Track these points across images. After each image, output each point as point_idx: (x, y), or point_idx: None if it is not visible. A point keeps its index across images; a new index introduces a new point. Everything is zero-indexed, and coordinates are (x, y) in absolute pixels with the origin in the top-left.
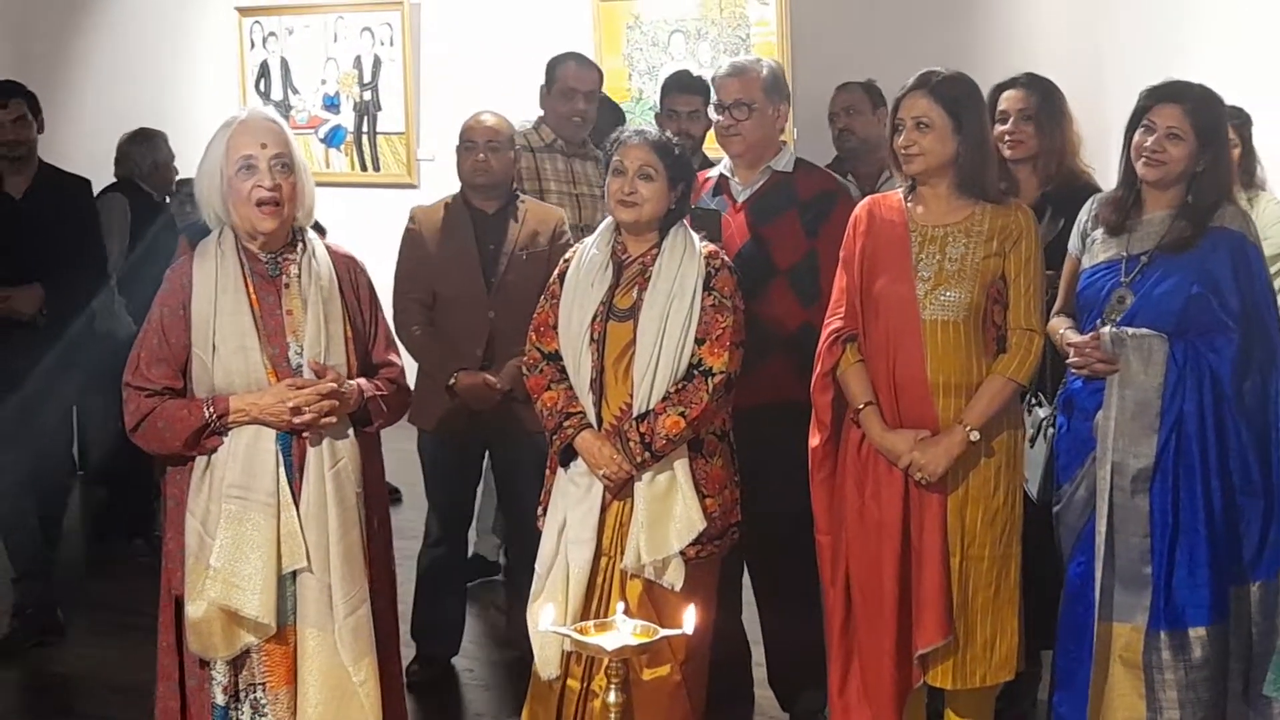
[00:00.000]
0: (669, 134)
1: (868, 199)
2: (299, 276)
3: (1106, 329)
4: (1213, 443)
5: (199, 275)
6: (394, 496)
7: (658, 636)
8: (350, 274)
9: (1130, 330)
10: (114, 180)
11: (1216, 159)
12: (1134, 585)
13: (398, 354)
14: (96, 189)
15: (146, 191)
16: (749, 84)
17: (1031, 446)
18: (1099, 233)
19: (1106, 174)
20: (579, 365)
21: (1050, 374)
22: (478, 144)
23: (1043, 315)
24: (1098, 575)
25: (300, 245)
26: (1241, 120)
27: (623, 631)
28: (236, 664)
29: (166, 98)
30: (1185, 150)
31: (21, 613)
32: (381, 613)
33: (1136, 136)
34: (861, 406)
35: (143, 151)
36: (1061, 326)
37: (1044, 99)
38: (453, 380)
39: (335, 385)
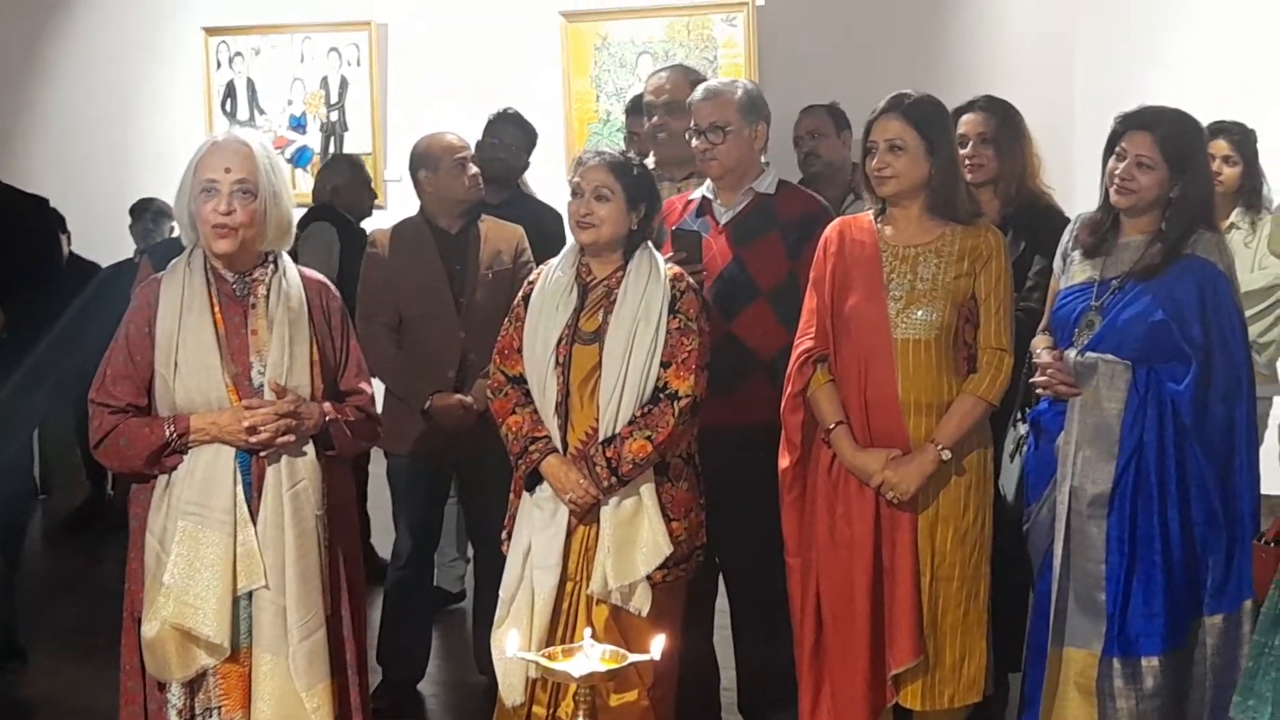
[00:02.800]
0: (631, 154)
1: (837, 220)
2: (267, 297)
3: (1072, 352)
4: (1173, 473)
5: (165, 294)
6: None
7: (626, 662)
8: (321, 300)
9: (1095, 355)
10: (311, 208)
11: (1190, 185)
12: (1090, 611)
13: (368, 382)
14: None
15: (346, 217)
16: (723, 106)
17: (1012, 461)
18: (1076, 254)
19: (1071, 194)
20: (544, 389)
21: (1034, 392)
22: (467, 160)
23: (1013, 335)
24: (1053, 598)
25: (271, 267)
26: (1242, 136)
27: (590, 657)
28: (193, 686)
29: (133, 117)
30: (1155, 178)
31: None
32: (340, 641)
33: (1110, 163)
34: (832, 426)
35: (325, 175)
36: (1041, 345)
37: (1002, 121)
38: (428, 404)
39: (292, 406)
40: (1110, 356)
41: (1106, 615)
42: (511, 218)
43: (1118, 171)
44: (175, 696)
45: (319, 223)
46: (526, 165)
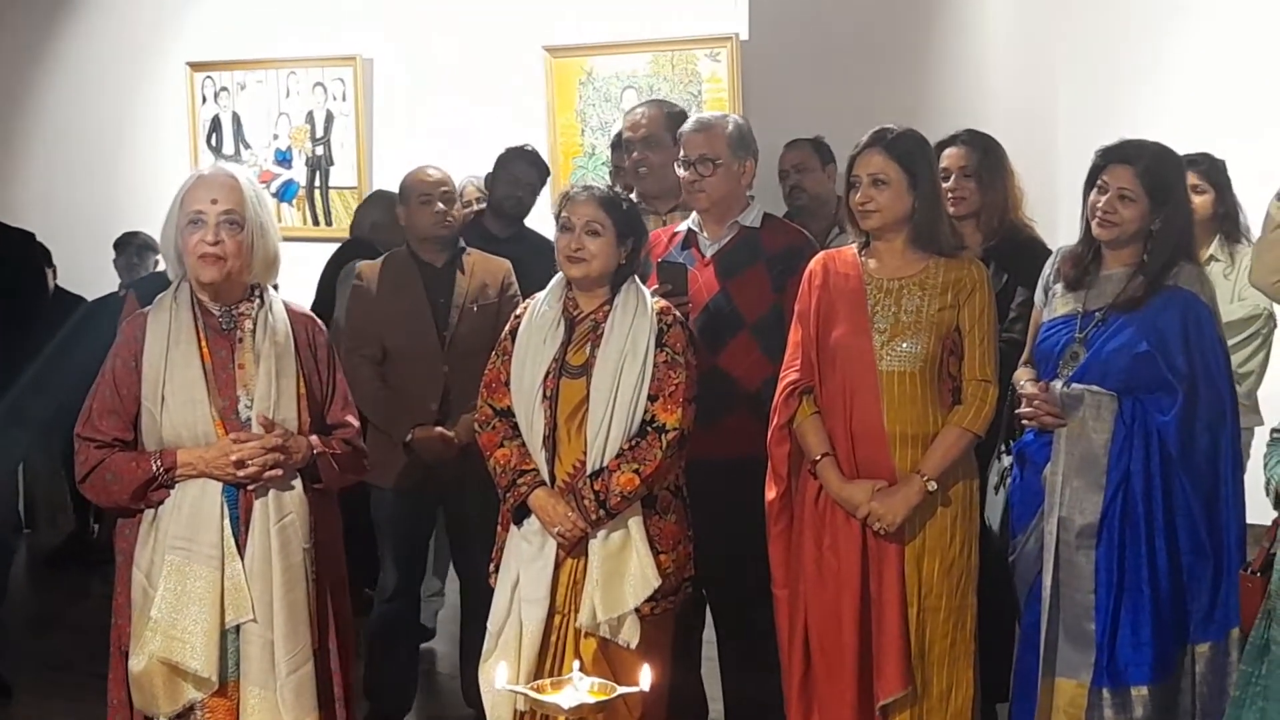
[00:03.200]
0: (618, 189)
1: (822, 254)
2: (253, 331)
3: (1058, 383)
4: (1159, 502)
5: (152, 328)
6: None
7: (615, 695)
8: (308, 333)
9: (1081, 387)
10: (347, 243)
11: (1171, 218)
12: (1079, 641)
13: (354, 415)
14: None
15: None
16: (714, 139)
17: (996, 494)
18: (1059, 287)
19: (1055, 226)
20: (531, 422)
21: (1019, 423)
22: (434, 196)
23: (997, 366)
24: (1043, 629)
25: (258, 300)
26: (1209, 165)
27: (579, 689)
28: None
29: (118, 151)
30: (1137, 211)
31: None
32: (328, 675)
33: (1091, 196)
34: (819, 458)
35: (364, 212)
36: (1024, 378)
37: (984, 155)
38: (409, 437)
39: (280, 440)
40: (1096, 388)
41: (1095, 645)
42: (516, 254)
43: (1099, 204)
44: None
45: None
46: (533, 203)
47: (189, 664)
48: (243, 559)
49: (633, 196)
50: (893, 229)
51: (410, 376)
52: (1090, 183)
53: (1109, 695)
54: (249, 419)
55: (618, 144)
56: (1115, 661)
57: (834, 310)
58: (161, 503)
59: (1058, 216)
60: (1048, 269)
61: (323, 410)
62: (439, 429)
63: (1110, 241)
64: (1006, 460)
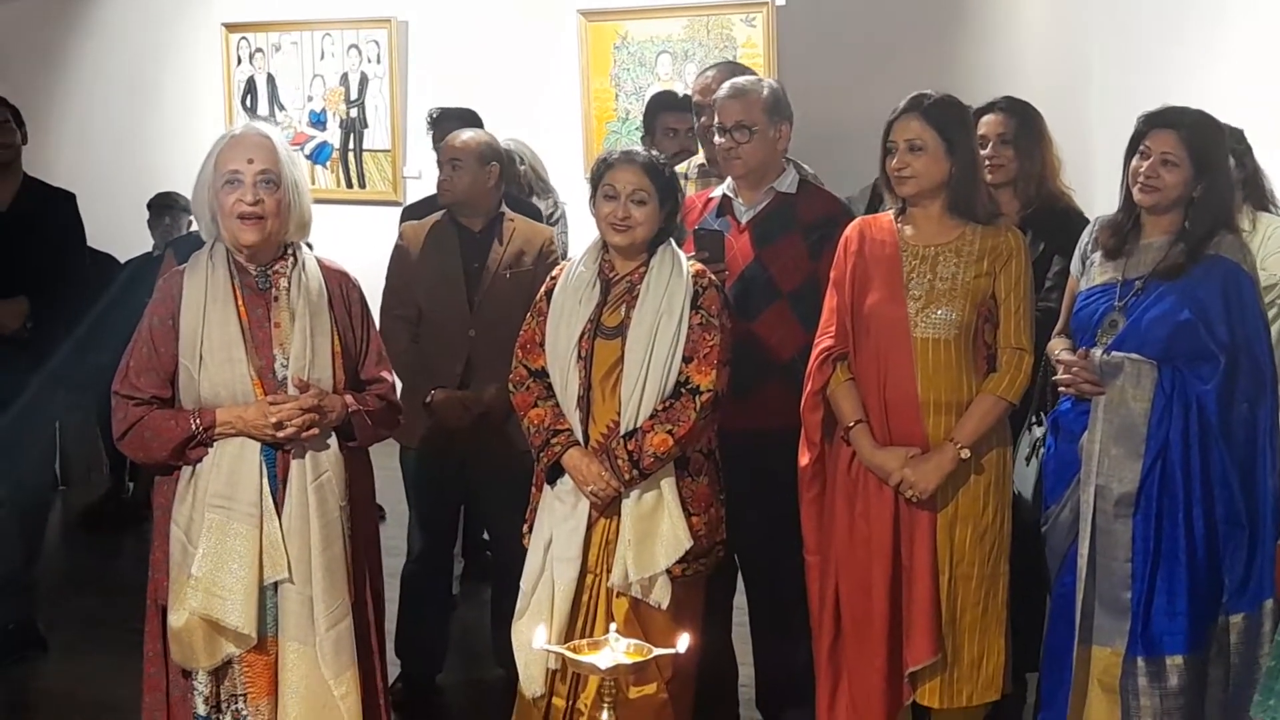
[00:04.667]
0: (655, 153)
1: (858, 220)
2: (288, 290)
3: (1097, 351)
4: (1197, 472)
5: (189, 286)
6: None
7: (651, 655)
8: (342, 289)
9: (1120, 354)
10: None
11: (1213, 185)
12: (1114, 609)
13: (389, 370)
14: (91, 204)
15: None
16: (750, 106)
17: (1027, 465)
18: (1097, 255)
19: (1090, 195)
20: (566, 382)
21: (1051, 394)
22: (443, 163)
23: (1033, 334)
24: (1079, 598)
25: (292, 259)
26: (1229, 133)
27: (616, 650)
28: (219, 674)
29: (153, 114)
30: (1180, 176)
31: (2, 629)
32: (365, 629)
33: (1133, 162)
34: (852, 424)
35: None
36: (1059, 347)
37: (1022, 122)
38: (429, 398)
39: (315, 400)
40: (1136, 355)
41: (1131, 614)
42: None
43: (1142, 169)
44: (201, 684)
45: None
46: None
47: (229, 620)
48: (280, 517)
49: (700, 159)
50: (929, 195)
51: (437, 339)
52: (1132, 149)
53: (1143, 664)
54: (285, 377)
55: (666, 105)
56: (1150, 630)
57: (869, 277)
58: (199, 460)
59: (1094, 186)
60: (1085, 237)
61: (357, 366)
62: (460, 392)
63: (1152, 207)
64: (1038, 432)
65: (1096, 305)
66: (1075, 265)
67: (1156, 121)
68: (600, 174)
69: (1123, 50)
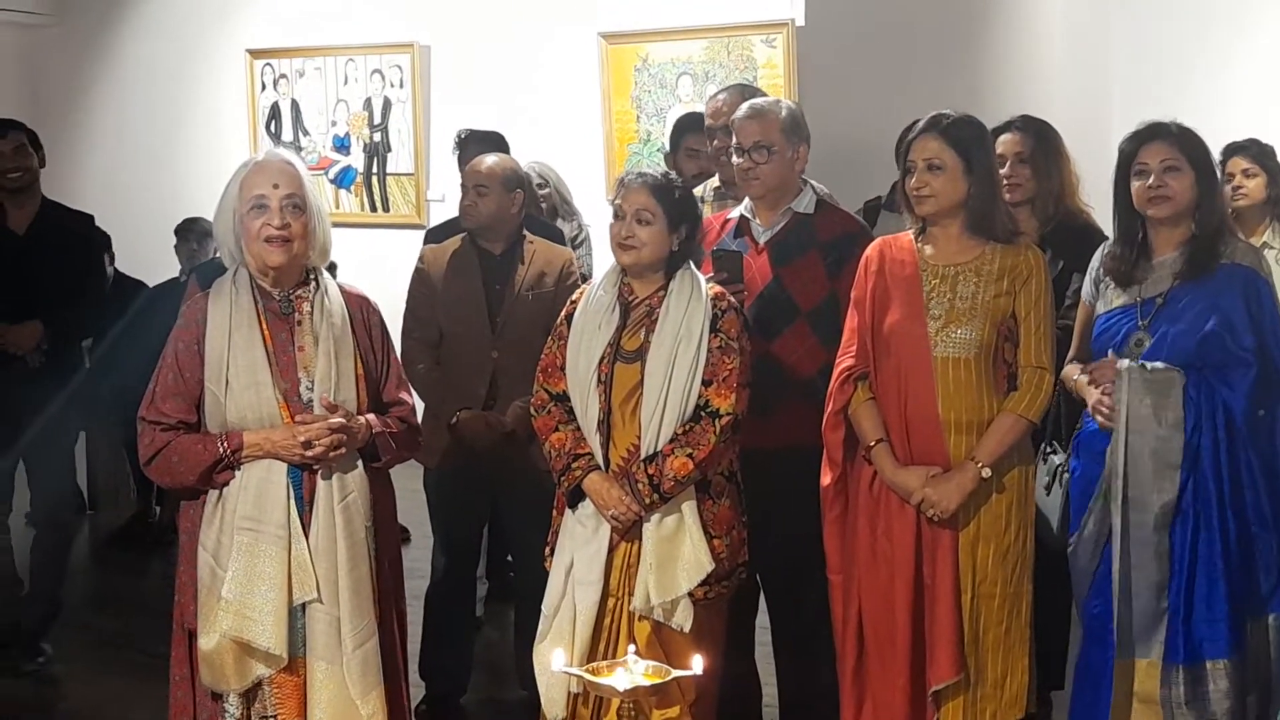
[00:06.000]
0: (672, 174)
1: (878, 240)
2: (311, 314)
3: (1125, 362)
4: (1227, 478)
5: (214, 312)
6: (403, 536)
7: (670, 677)
8: (363, 313)
9: (1148, 365)
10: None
11: (1210, 187)
12: (1151, 620)
13: (409, 393)
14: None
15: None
16: (768, 126)
17: (1048, 494)
18: (1110, 280)
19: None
20: (586, 407)
21: (1065, 420)
22: (467, 188)
23: (1054, 353)
24: (1115, 611)
25: (314, 284)
26: (1258, 150)
27: (635, 672)
28: (249, 696)
29: (178, 139)
30: (1186, 180)
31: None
32: (391, 649)
33: (1134, 185)
34: (873, 444)
35: None
36: (1075, 373)
37: (1039, 141)
38: (454, 419)
39: (343, 420)
40: (1160, 364)
41: (1169, 623)
42: None
43: (1148, 184)
44: (232, 706)
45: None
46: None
47: (260, 642)
48: (308, 538)
49: (713, 183)
50: (948, 214)
51: (460, 360)
52: (1123, 173)
53: (1184, 672)
54: (311, 400)
55: (687, 126)
56: (1191, 638)
57: (889, 296)
58: (226, 484)
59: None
60: (1095, 262)
61: (379, 388)
62: (485, 413)
63: (1169, 218)
64: (1055, 460)
65: (1119, 326)
66: (1088, 290)
67: (1143, 136)
68: (615, 195)
69: (1143, 70)
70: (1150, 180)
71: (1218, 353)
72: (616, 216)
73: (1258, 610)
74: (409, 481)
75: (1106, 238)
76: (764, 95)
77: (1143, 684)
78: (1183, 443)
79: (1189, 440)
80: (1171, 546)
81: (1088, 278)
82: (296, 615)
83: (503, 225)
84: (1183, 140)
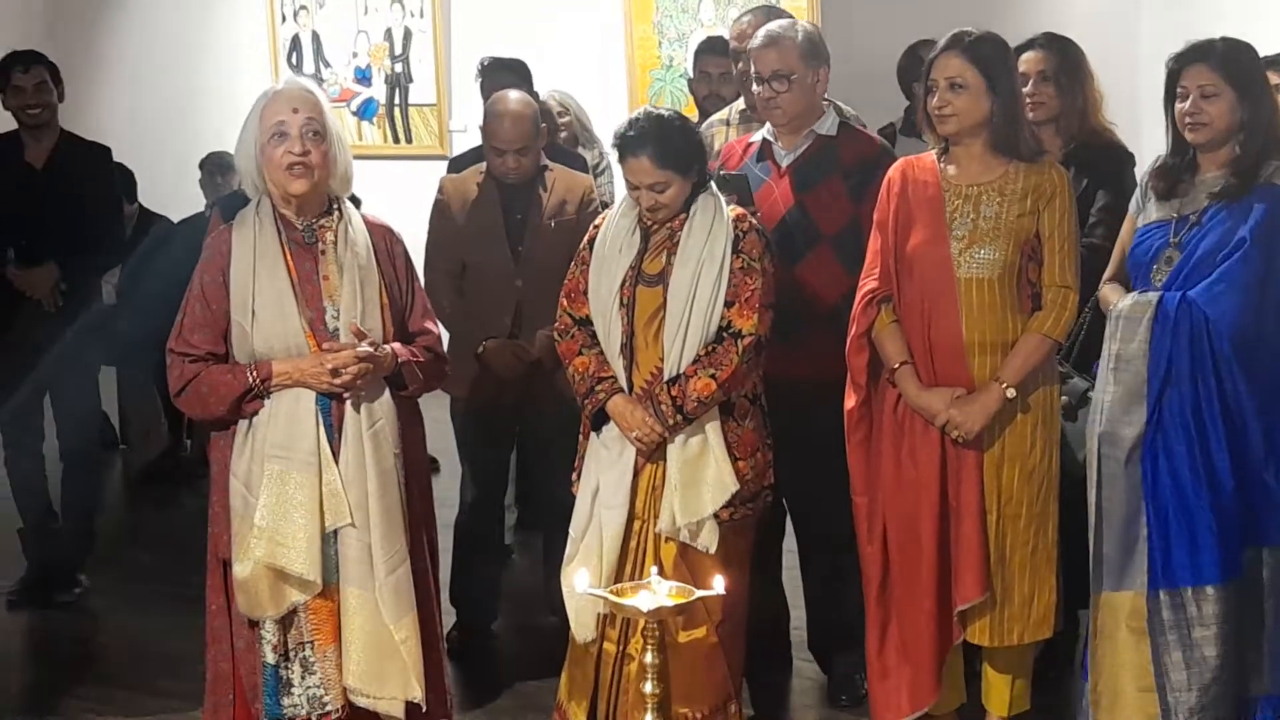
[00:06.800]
0: (664, 112)
1: (900, 161)
2: (335, 243)
3: (1125, 301)
4: (1214, 401)
5: (238, 243)
6: (432, 465)
7: (693, 598)
8: (386, 244)
9: (1133, 300)
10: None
11: (1256, 107)
12: (1130, 552)
13: (434, 322)
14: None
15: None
16: (785, 54)
17: (1074, 420)
18: (1153, 195)
19: (1138, 128)
20: (609, 330)
21: (1084, 344)
22: (505, 152)
23: (1078, 272)
24: (1091, 546)
25: (336, 213)
26: None
27: (658, 593)
28: (285, 623)
29: (199, 73)
30: (1223, 106)
31: (44, 569)
32: (423, 576)
33: (1176, 108)
34: (897, 366)
35: None
36: (1111, 297)
37: (1063, 59)
38: (481, 349)
39: (371, 349)
40: (1133, 295)
41: (1149, 551)
42: None
43: (1185, 109)
44: (269, 633)
45: None
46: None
47: (293, 568)
48: (338, 465)
49: (740, 105)
50: (970, 134)
51: (484, 290)
52: (1170, 94)
53: (1165, 598)
54: (336, 329)
55: (707, 49)
56: (1171, 565)
57: (912, 218)
58: (256, 413)
59: (1141, 119)
60: (1145, 176)
61: (404, 318)
62: (511, 342)
63: (1205, 143)
64: (1080, 384)
65: (1152, 241)
66: (1135, 204)
67: (1187, 58)
68: (618, 155)
69: None
70: (1187, 105)
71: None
72: (630, 186)
73: (1257, 539)
74: (438, 412)
75: (1131, 155)
76: (787, 16)
77: (1132, 616)
78: (1147, 373)
79: (1155, 368)
80: (1144, 477)
81: (1136, 192)
82: (329, 542)
83: (530, 165)
84: (1226, 62)
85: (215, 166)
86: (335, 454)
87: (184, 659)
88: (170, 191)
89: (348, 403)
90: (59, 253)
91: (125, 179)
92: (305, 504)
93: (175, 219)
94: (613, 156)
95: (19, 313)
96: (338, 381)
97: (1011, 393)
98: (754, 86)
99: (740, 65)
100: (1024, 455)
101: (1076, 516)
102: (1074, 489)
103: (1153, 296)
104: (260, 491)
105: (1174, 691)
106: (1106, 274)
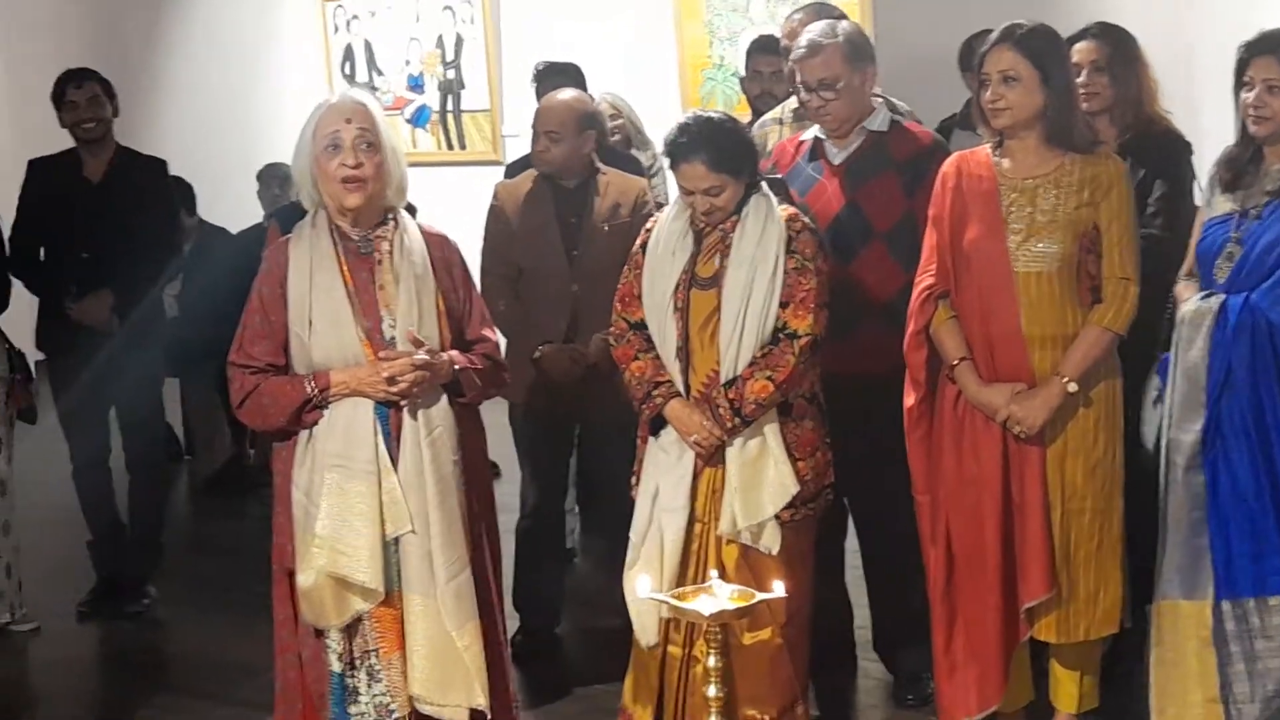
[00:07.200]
0: (715, 115)
1: (955, 155)
2: (390, 253)
3: (1190, 305)
4: (1276, 405)
5: (295, 255)
6: (493, 471)
7: (755, 600)
8: (443, 252)
9: (1195, 305)
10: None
11: None
12: (1195, 562)
13: (493, 330)
14: (197, 178)
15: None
16: (830, 61)
17: (1155, 408)
18: (1219, 186)
19: (1196, 116)
20: (664, 334)
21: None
22: (539, 133)
23: (1138, 263)
24: (1159, 554)
25: (392, 223)
26: None
27: (720, 596)
28: (350, 631)
29: (253, 85)
30: None
31: (115, 579)
32: (485, 582)
33: (1241, 95)
34: (956, 362)
35: None
36: (1185, 292)
37: (1116, 48)
38: (537, 354)
39: (426, 356)
40: (1197, 298)
41: (1212, 563)
42: None
43: (1250, 100)
44: (334, 642)
45: None
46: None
47: (356, 577)
48: (397, 473)
49: (793, 104)
50: (1025, 126)
51: (540, 295)
52: (1238, 80)
53: (1229, 608)
54: (393, 338)
55: (759, 48)
56: (1232, 574)
57: (968, 212)
58: (315, 423)
59: (1200, 107)
60: (1212, 169)
61: (462, 326)
62: (569, 346)
63: (1268, 137)
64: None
65: (1215, 236)
66: (1204, 196)
67: (1255, 49)
68: (669, 161)
69: None
70: (1251, 98)
71: None
72: (684, 191)
73: None
74: (499, 417)
75: (1188, 144)
76: (838, 13)
77: (1200, 625)
78: (1206, 380)
79: (1214, 374)
80: (1208, 483)
81: (1206, 184)
82: (391, 550)
83: (575, 164)
84: None
85: (272, 178)
86: (394, 462)
87: (253, 668)
88: (229, 204)
89: (405, 410)
90: (118, 267)
91: (184, 191)
92: (365, 512)
93: (233, 230)
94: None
95: (83, 328)
96: (394, 390)
97: (1073, 387)
98: (802, 93)
99: (791, 64)
100: (1087, 449)
101: (1148, 511)
102: (1146, 482)
103: (1214, 303)
104: (321, 501)
105: (1237, 703)
106: (1184, 269)
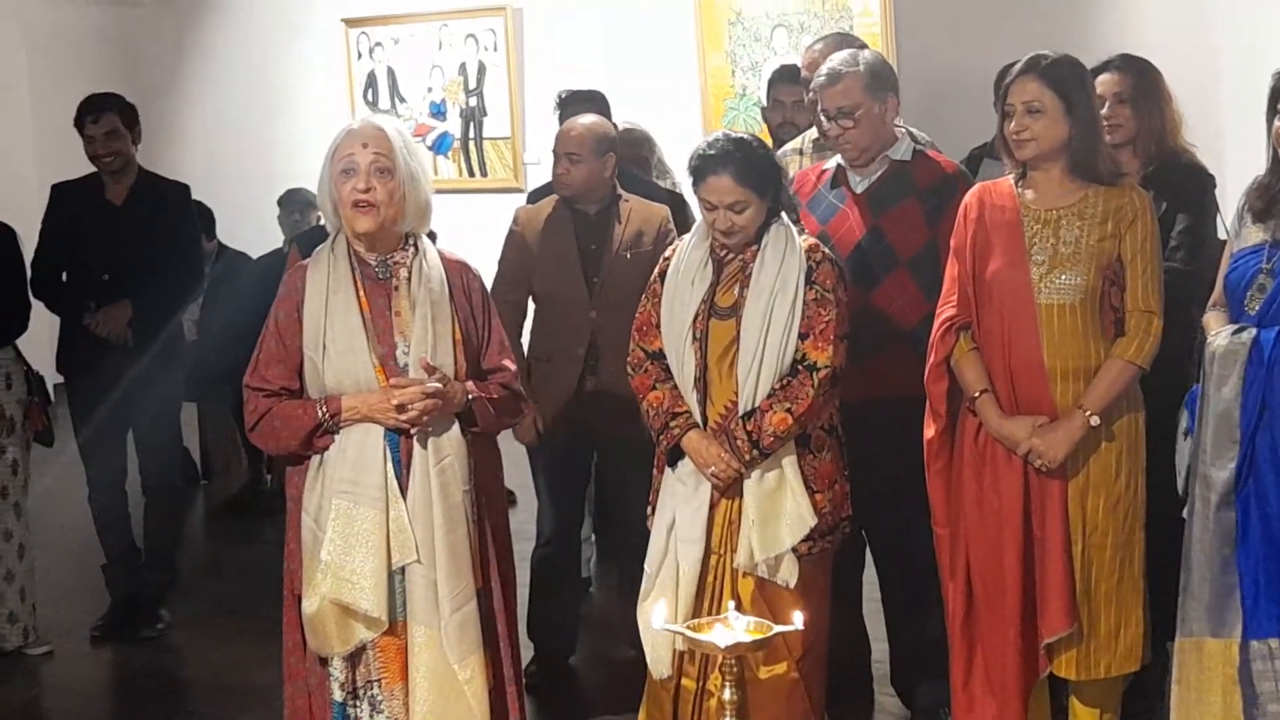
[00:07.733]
0: (743, 135)
1: (978, 185)
2: (408, 279)
3: (1221, 340)
4: None
5: (312, 279)
6: (510, 499)
7: (772, 633)
8: (463, 279)
9: (1228, 340)
10: None
11: None
12: (1224, 599)
13: (511, 359)
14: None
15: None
16: (850, 90)
17: (1185, 440)
18: (1249, 217)
19: (1220, 149)
20: (682, 364)
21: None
22: (559, 155)
23: (1162, 296)
24: (1180, 588)
25: (412, 248)
26: None
27: (736, 628)
28: (354, 660)
29: (278, 110)
30: None
31: (129, 599)
32: (494, 613)
33: (1275, 124)
34: (977, 394)
35: None
36: (1214, 324)
37: (1138, 80)
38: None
39: (439, 384)
40: (1228, 330)
41: (1241, 602)
42: None
43: (1278, 129)
44: (337, 670)
45: None
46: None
47: (359, 605)
48: (405, 501)
49: (814, 134)
50: (1049, 158)
51: (558, 322)
52: (1271, 109)
53: (1257, 647)
54: (407, 365)
55: (779, 78)
56: (1258, 614)
57: (990, 243)
58: (327, 448)
59: (1224, 140)
60: (1241, 199)
61: (479, 355)
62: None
63: None
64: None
65: (1246, 267)
66: (1232, 225)
67: None
68: (694, 177)
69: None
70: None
71: None
72: (707, 207)
73: None
74: (516, 445)
75: (1212, 177)
76: (859, 43)
77: (1227, 663)
78: (1240, 417)
79: (1249, 409)
80: (1239, 521)
81: (1233, 214)
82: (396, 579)
83: (596, 189)
84: None
85: (293, 203)
86: (404, 490)
87: (267, 693)
88: (251, 229)
89: (415, 438)
90: (138, 289)
91: (204, 216)
92: (371, 540)
93: (254, 255)
94: (686, 186)
95: (101, 351)
96: (404, 417)
97: (1095, 420)
98: (823, 121)
99: (812, 93)
100: (1109, 484)
101: (1173, 546)
102: (1168, 517)
103: (1246, 338)
104: (328, 526)
105: None
106: (1212, 299)
